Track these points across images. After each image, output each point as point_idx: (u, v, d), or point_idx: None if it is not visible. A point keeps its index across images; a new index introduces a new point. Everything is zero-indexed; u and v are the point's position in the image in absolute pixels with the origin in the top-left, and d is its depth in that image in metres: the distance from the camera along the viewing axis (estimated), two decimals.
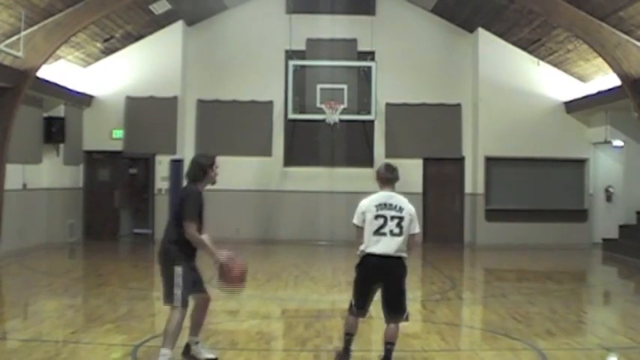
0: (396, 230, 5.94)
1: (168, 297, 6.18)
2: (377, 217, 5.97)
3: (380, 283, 6.05)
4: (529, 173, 17.53)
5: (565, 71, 17.18)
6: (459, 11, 17.37)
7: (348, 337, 6.25)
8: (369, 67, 17.31)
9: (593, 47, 13.79)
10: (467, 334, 8.36)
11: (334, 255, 15.88)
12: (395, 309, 6.06)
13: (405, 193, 6.47)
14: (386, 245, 5.93)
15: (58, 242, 15.80)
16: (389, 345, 6.08)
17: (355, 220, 6.10)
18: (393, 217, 5.96)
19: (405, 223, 5.98)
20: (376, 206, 6.02)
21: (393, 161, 18.61)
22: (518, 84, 17.44)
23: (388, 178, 6.21)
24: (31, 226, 14.92)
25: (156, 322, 8.46)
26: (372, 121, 17.71)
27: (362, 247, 6.04)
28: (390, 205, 6.03)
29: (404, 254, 6.02)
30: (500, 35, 17.23)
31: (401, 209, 6.02)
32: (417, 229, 6.07)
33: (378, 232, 5.94)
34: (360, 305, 6.17)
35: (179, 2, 16.33)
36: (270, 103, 17.89)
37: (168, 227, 6.45)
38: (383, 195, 6.12)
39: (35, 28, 12.64)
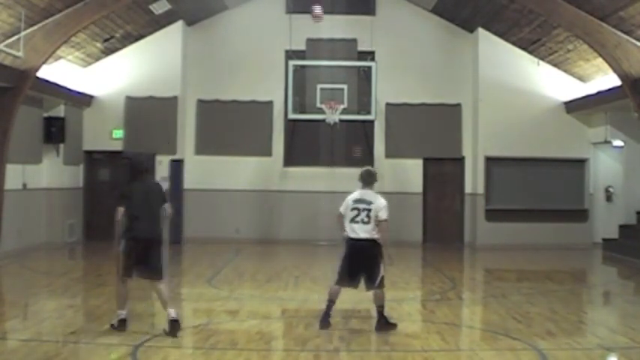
0: (365, 219, 7.73)
1: (161, 273, 7.74)
2: (353, 209, 7.82)
3: (359, 260, 7.75)
4: (529, 173, 17.52)
5: (565, 71, 17.18)
6: (459, 11, 17.37)
7: (330, 303, 7.90)
8: (369, 67, 17.30)
9: (593, 47, 13.78)
10: (467, 334, 8.36)
11: (334, 255, 15.77)
12: (370, 279, 7.74)
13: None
14: (358, 230, 7.76)
15: (58, 242, 15.79)
16: (380, 308, 7.87)
17: (341, 209, 7.95)
18: (364, 209, 7.76)
19: (372, 214, 7.70)
20: (353, 201, 7.86)
21: (394, 161, 18.82)
22: (518, 84, 17.44)
23: (366, 180, 8.00)
24: (31, 226, 14.92)
25: (156, 322, 8.47)
26: (372, 121, 17.71)
27: (344, 234, 7.90)
28: (364, 200, 7.82)
29: (374, 237, 7.71)
30: (501, 35, 17.22)
31: (370, 203, 7.76)
32: (382, 216, 7.71)
33: (353, 220, 7.79)
34: (342, 278, 7.88)
35: (179, 2, 16.32)
36: (270, 103, 17.89)
37: (156, 217, 7.74)
38: (360, 192, 7.93)
39: (35, 28, 12.63)
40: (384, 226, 7.73)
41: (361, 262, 7.72)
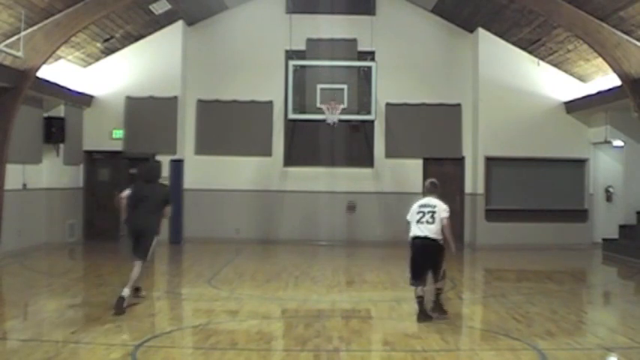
0: (430, 220, 8.54)
1: (144, 254, 9.07)
2: (418, 212, 8.65)
3: (425, 258, 8.55)
4: (529, 173, 17.52)
5: (565, 71, 17.17)
6: (459, 11, 17.37)
7: (420, 299, 8.52)
8: (369, 67, 17.28)
9: (593, 47, 13.78)
10: (467, 334, 8.36)
11: (334, 255, 15.88)
12: (435, 273, 8.59)
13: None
14: (423, 230, 8.52)
15: (58, 242, 15.80)
16: (438, 290, 8.72)
17: (408, 217, 8.76)
18: (429, 212, 8.59)
19: (436, 215, 8.53)
20: (419, 206, 8.72)
21: (394, 161, 18.79)
22: (518, 84, 17.43)
23: (430, 189, 8.90)
24: (31, 226, 14.92)
25: (156, 322, 8.48)
26: (372, 121, 17.70)
27: (410, 235, 8.66)
28: (428, 205, 8.68)
29: (437, 237, 8.49)
30: (501, 35, 17.22)
31: (434, 206, 8.62)
32: (444, 214, 8.54)
33: (418, 221, 8.60)
34: (415, 277, 8.58)
35: (179, 2, 16.33)
36: (270, 103, 17.88)
37: (152, 210, 9.12)
38: (425, 199, 8.79)
39: (35, 28, 12.64)
40: (446, 222, 8.55)
41: (427, 259, 8.57)
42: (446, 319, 8.49)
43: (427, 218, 8.54)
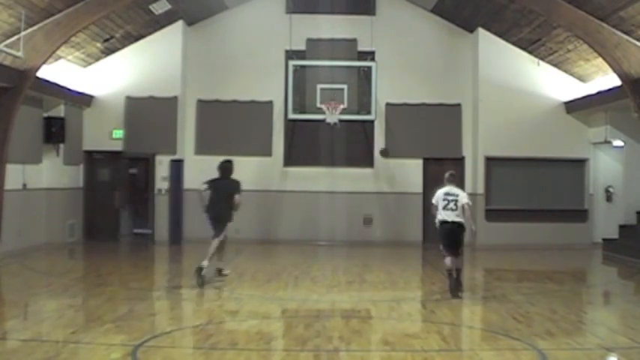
0: (454, 207, 10.24)
1: (219, 233, 11.49)
2: (444, 199, 10.30)
3: (451, 237, 10.30)
4: (529, 173, 17.51)
5: (565, 71, 17.17)
6: (459, 11, 17.36)
7: (449, 272, 10.40)
8: (369, 67, 17.26)
9: (593, 47, 13.78)
10: (467, 334, 8.36)
11: (334, 255, 15.88)
12: (456, 250, 10.36)
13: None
14: (449, 215, 10.23)
15: (58, 242, 15.79)
16: (458, 270, 10.40)
17: (433, 201, 10.53)
18: (452, 200, 10.26)
19: (459, 203, 10.22)
20: (444, 194, 10.36)
21: (394, 161, 18.75)
22: (518, 84, 17.42)
23: (450, 179, 10.50)
24: (31, 226, 14.91)
25: (156, 322, 8.48)
26: (372, 121, 17.70)
27: (438, 218, 10.37)
28: (452, 193, 10.33)
29: (461, 221, 10.23)
30: (500, 35, 17.21)
31: (457, 195, 10.31)
32: (464, 200, 10.23)
33: (445, 208, 10.27)
34: (447, 250, 10.33)
35: (179, 2, 16.33)
36: (270, 103, 17.87)
37: (224, 200, 11.49)
38: (447, 188, 10.42)
39: (35, 28, 12.63)
40: (468, 207, 10.23)
41: (453, 237, 10.31)
42: (460, 297, 10.11)
43: (451, 206, 10.22)
